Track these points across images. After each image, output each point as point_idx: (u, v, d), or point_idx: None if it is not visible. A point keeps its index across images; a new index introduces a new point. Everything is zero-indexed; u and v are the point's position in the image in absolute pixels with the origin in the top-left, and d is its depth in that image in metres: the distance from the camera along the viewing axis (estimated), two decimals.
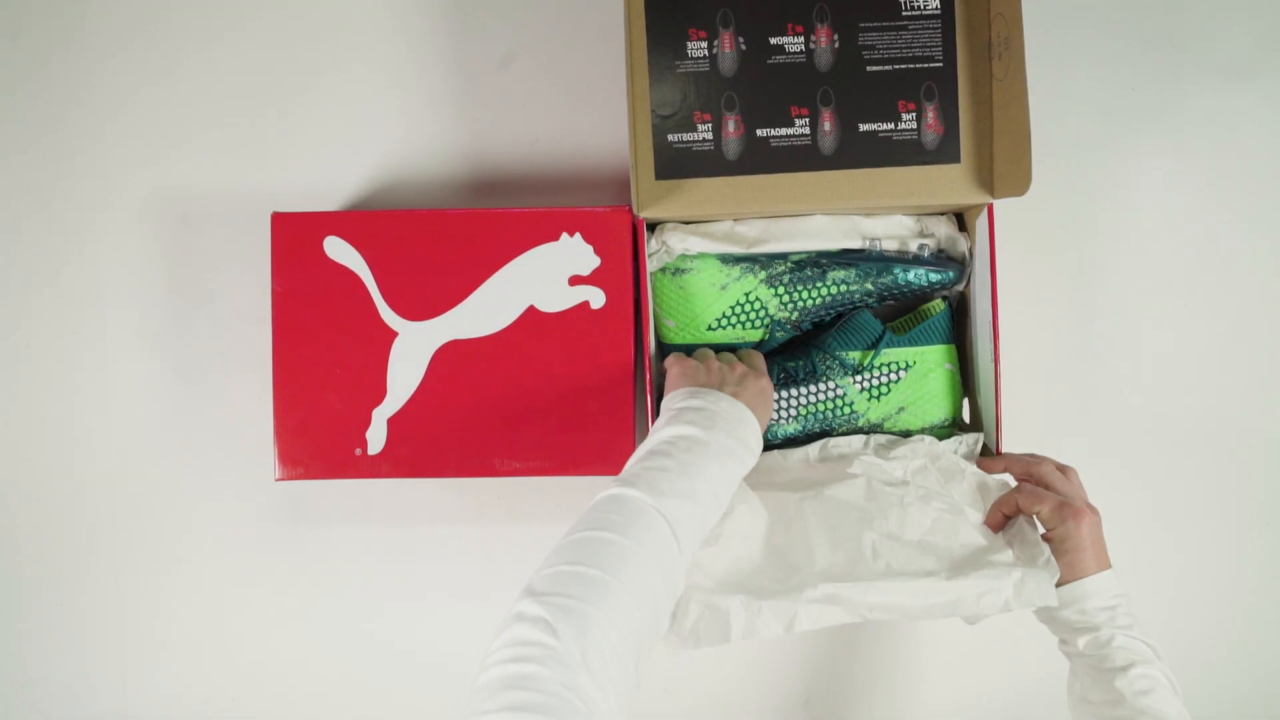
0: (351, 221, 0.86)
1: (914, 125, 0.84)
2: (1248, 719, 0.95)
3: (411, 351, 0.85)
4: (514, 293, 0.85)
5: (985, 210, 0.83)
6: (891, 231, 0.87)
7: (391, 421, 0.85)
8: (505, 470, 0.85)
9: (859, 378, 0.85)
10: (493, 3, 0.93)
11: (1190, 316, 0.96)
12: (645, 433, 0.88)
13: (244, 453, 0.91)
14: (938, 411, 0.86)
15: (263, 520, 0.93)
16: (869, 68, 0.84)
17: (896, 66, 0.84)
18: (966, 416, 0.90)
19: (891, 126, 0.84)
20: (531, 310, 0.85)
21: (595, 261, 0.85)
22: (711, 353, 0.82)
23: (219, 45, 0.94)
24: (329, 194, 0.93)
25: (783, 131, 0.84)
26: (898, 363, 0.85)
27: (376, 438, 0.85)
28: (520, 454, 0.85)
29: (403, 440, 0.85)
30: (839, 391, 0.85)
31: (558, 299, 0.85)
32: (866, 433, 0.86)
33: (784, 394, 0.85)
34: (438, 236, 0.85)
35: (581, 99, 0.93)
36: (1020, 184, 0.77)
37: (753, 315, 0.86)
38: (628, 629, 0.55)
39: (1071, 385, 0.95)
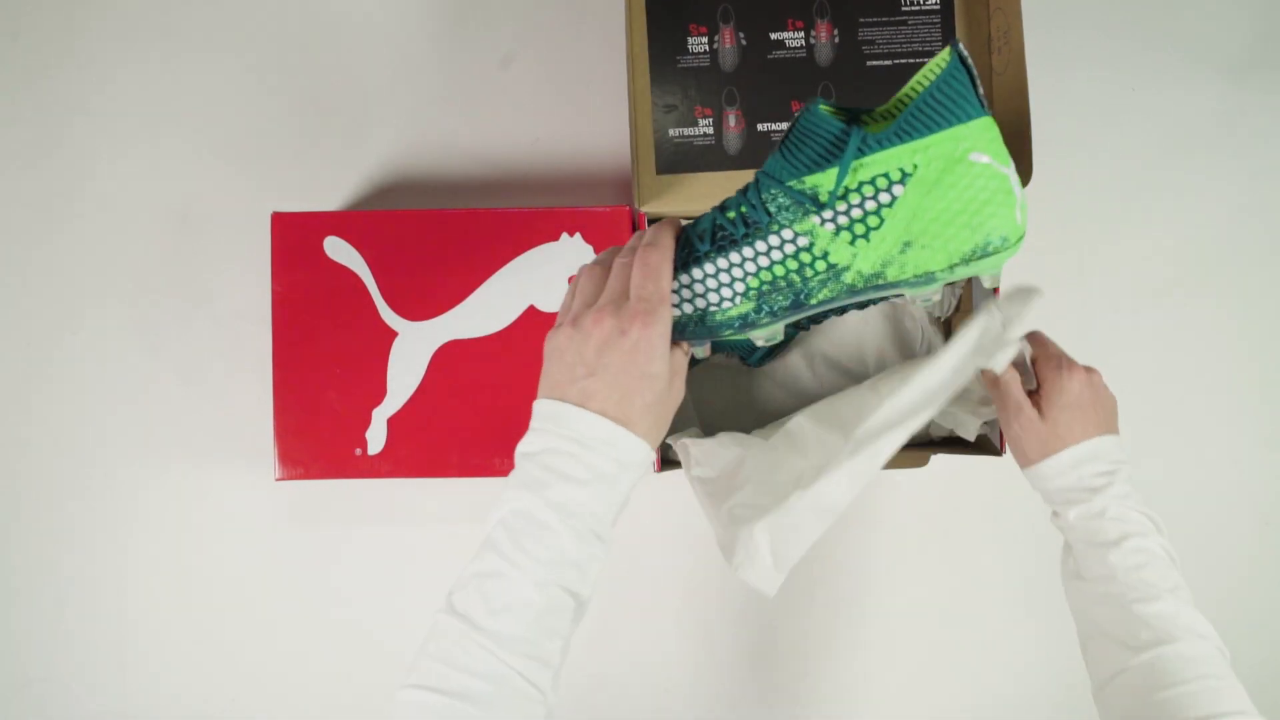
0: (351, 221, 0.86)
1: None
2: None
3: (411, 351, 0.85)
4: (514, 292, 0.85)
5: None
6: None
7: (391, 421, 0.84)
8: (505, 470, 0.84)
9: (827, 213, 0.54)
10: (493, 2, 0.93)
11: (1190, 316, 0.95)
12: None
13: (244, 453, 0.91)
14: (969, 235, 0.54)
15: (263, 520, 0.93)
16: (869, 62, 0.84)
17: (896, 61, 0.84)
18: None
19: None
20: (532, 310, 0.85)
21: None
22: (598, 274, 0.58)
23: (219, 45, 0.94)
24: (329, 194, 0.93)
25: (784, 126, 0.84)
26: (886, 174, 0.53)
27: (376, 438, 0.85)
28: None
29: (403, 440, 0.85)
30: (801, 242, 0.55)
31: (558, 299, 0.85)
32: (857, 291, 0.57)
33: (720, 262, 0.57)
34: (438, 236, 0.85)
35: (581, 99, 0.93)
36: (1021, 176, 0.77)
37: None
38: None
39: None
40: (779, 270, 0.56)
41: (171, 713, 0.94)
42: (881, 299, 0.59)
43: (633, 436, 0.54)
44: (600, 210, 0.85)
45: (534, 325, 0.85)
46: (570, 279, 0.62)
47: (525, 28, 0.93)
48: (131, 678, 0.93)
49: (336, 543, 0.93)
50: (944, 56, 0.52)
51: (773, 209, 0.55)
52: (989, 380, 0.73)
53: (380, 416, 0.85)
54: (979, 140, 0.52)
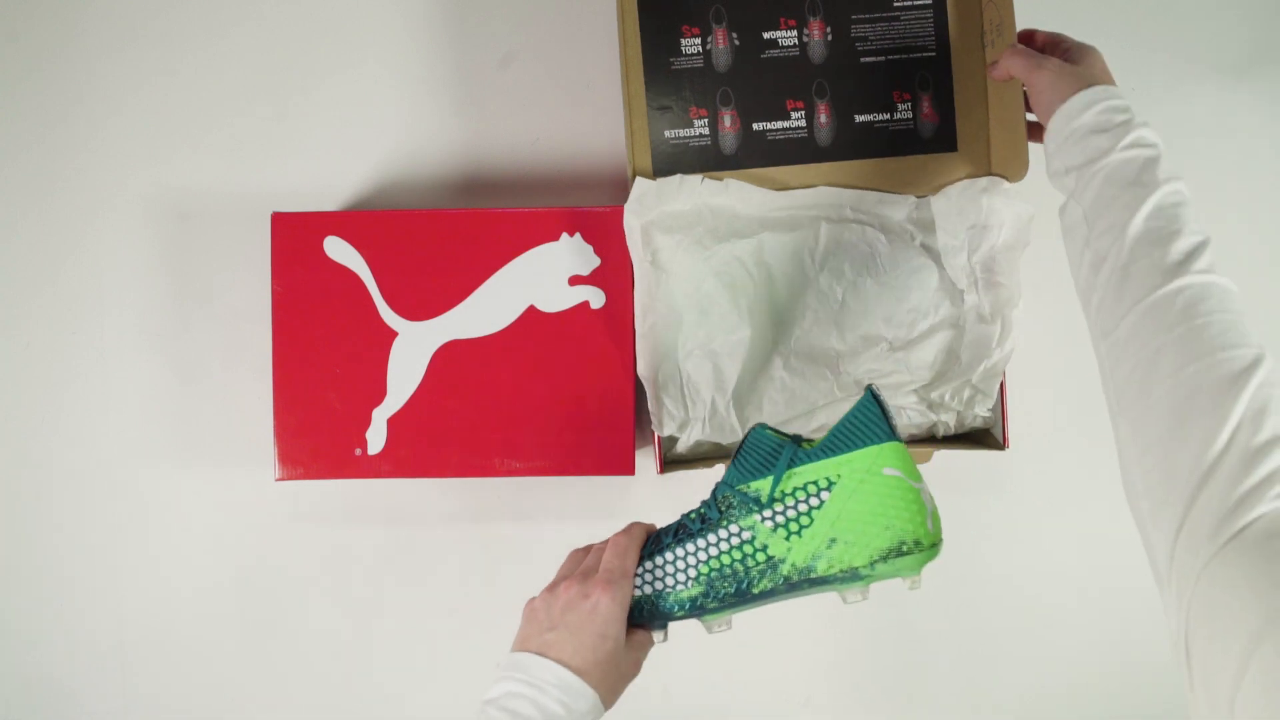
0: (351, 221, 0.86)
1: (909, 115, 0.84)
2: None
3: (411, 351, 0.85)
4: (514, 293, 0.85)
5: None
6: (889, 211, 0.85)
7: (391, 421, 0.85)
8: (505, 470, 0.85)
9: (767, 512, 0.65)
10: (493, 3, 0.93)
11: None
12: (645, 432, 0.88)
13: (244, 453, 0.91)
14: (884, 535, 0.64)
15: (263, 520, 0.93)
16: (862, 59, 0.84)
17: (890, 57, 0.84)
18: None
19: (887, 117, 0.84)
20: (531, 310, 0.85)
21: (595, 261, 0.85)
22: (579, 555, 0.69)
23: (219, 45, 0.94)
24: (329, 194, 0.93)
25: (778, 125, 0.84)
26: (815, 482, 0.65)
27: (376, 438, 0.85)
28: (520, 454, 0.85)
29: (403, 440, 0.85)
30: (745, 535, 0.66)
31: (558, 299, 0.85)
32: (793, 585, 0.66)
33: (679, 551, 0.67)
34: (438, 236, 0.85)
35: (581, 99, 0.93)
36: (1019, 168, 0.77)
37: None
38: None
39: (1074, 384, 0.94)
40: (726, 559, 0.66)
41: (171, 712, 0.94)
42: (818, 592, 0.67)
43: (584, 684, 0.60)
44: (600, 210, 0.86)
45: (534, 325, 0.85)
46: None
47: (525, 28, 0.93)
48: (131, 677, 0.93)
49: (336, 543, 0.93)
50: (863, 396, 0.66)
51: (724, 507, 0.66)
52: (997, 69, 0.75)
53: (380, 416, 0.85)
54: (891, 459, 0.65)
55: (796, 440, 0.67)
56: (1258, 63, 0.96)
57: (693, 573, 0.67)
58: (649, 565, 0.67)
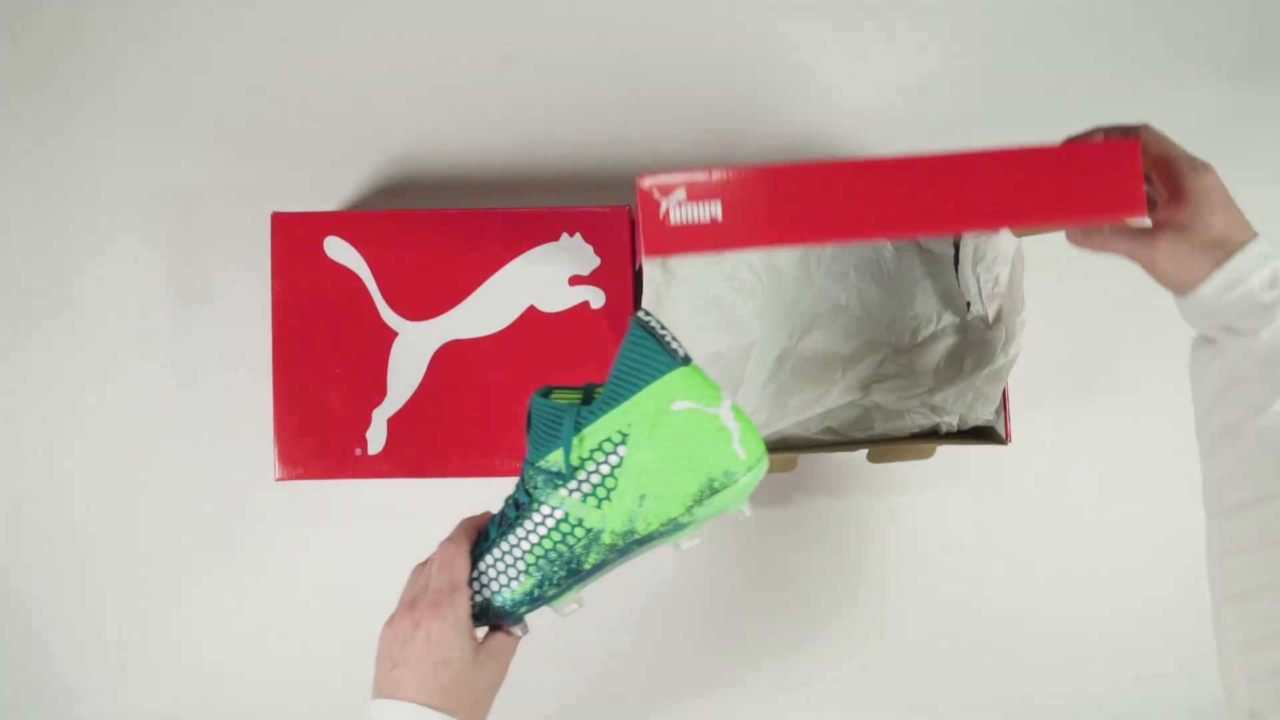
0: (351, 221, 0.86)
1: None
2: None
3: (411, 351, 0.85)
4: (513, 293, 0.85)
5: None
6: None
7: (391, 421, 0.84)
8: (505, 470, 0.85)
9: (571, 484, 0.60)
10: (493, 2, 0.93)
11: None
12: None
13: (244, 453, 0.91)
14: (691, 478, 0.59)
15: (263, 520, 0.93)
16: None
17: None
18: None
19: None
20: (531, 310, 0.85)
21: (595, 261, 0.85)
22: (419, 572, 0.67)
23: (219, 45, 0.94)
24: (329, 194, 0.93)
25: None
26: (609, 439, 0.60)
27: (376, 438, 0.85)
28: (520, 454, 0.85)
29: (403, 440, 0.85)
30: (558, 514, 0.61)
31: (558, 299, 0.85)
32: (624, 550, 0.62)
33: (503, 546, 0.63)
34: (438, 236, 0.85)
35: (582, 99, 0.93)
36: None
37: None
38: None
39: (1078, 379, 0.95)
40: (547, 543, 0.61)
41: (171, 713, 0.93)
42: (654, 548, 0.63)
43: (434, 713, 0.58)
44: (600, 210, 0.85)
45: (534, 325, 0.85)
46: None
47: (525, 27, 0.93)
48: (131, 678, 0.93)
49: (337, 543, 0.93)
50: (629, 329, 0.60)
51: (531, 489, 0.62)
52: (1085, 234, 0.66)
53: (380, 416, 0.85)
54: (678, 391, 0.59)
55: (588, 393, 0.62)
56: (1258, 63, 0.96)
57: (521, 565, 0.63)
58: (480, 568, 0.64)
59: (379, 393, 0.85)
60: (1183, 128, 0.95)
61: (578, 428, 0.60)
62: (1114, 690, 0.94)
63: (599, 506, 0.60)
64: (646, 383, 0.59)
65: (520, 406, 0.84)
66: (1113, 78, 0.96)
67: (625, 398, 0.59)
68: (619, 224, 0.85)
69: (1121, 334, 0.95)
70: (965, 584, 0.94)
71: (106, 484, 0.93)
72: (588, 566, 0.62)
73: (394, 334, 0.85)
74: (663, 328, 0.59)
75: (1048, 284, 0.93)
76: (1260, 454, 0.58)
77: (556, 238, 0.85)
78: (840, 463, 0.92)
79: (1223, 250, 0.60)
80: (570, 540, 0.61)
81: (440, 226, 0.85)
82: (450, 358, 0.85)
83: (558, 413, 0.60)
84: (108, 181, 0.93)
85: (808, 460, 0.91)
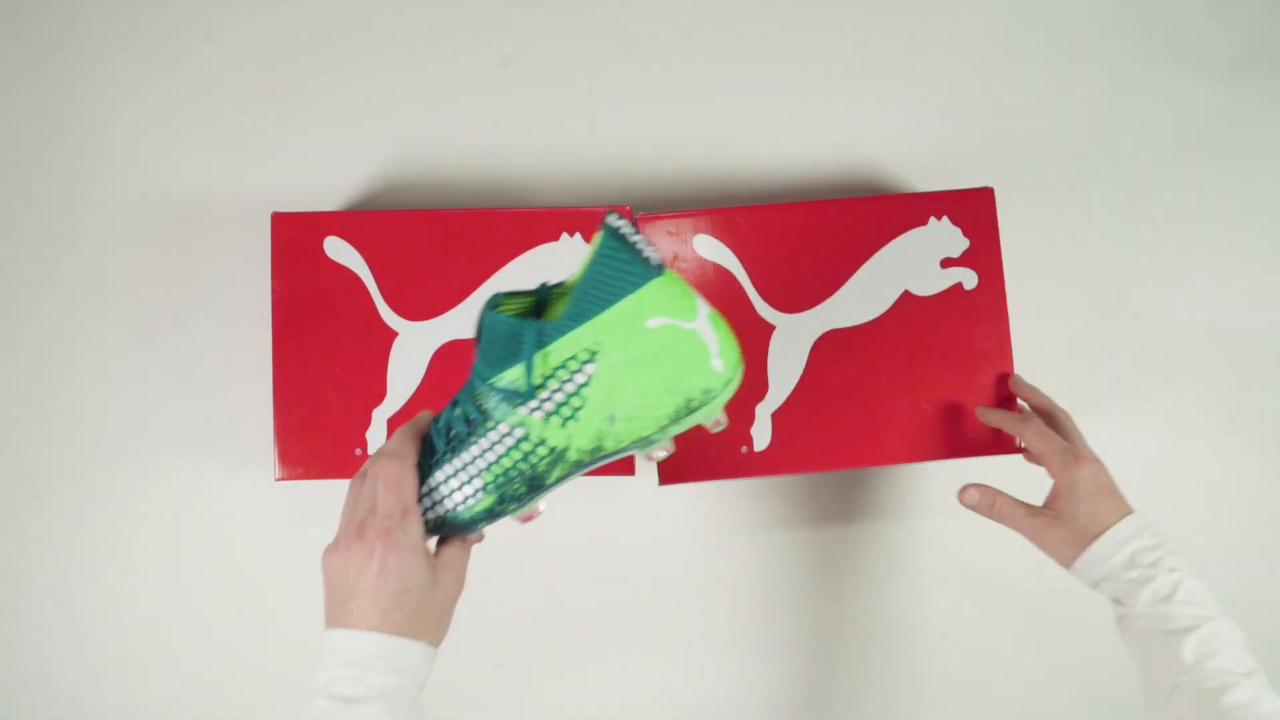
0: (351, 221, 0.86)
1: None
2: None
3: (412, 351, 0.85)
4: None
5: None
6: None
7: (391, 421, 0.84)
8: None
9: (532, 403, 0.56)
10: (493, 2, 0.93)
11: (1190, 315, 0.96)
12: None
13: (244, 453, 0.91)
14: (668, 398, 0.56)
15: (263, 520, 0.93)
16: None
17: None
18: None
19: None
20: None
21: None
22: (358, 487, 0.61)
23: (219, 45, 0.94)
24: (329, 194, 0.93)
25: None
26: (574, 357, 0.55)
27: (376, 438, 0.84)
28: None
29: None
30: (518, 434, 0.56)
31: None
32: (589, 464, 0.58)
33: (455, 463, 0.59)
34: (438, 236, 0.85)
35: (582, 99, 0.93)
36: None
37: None
38: None
39: (1075, 383, 0.95)
40: (506, 462, 0.57)
41: (171, 713, 0.93)
42: (621, 458, 0.59)
43: (404, 641, 0.56)
44: (600, 210, 0.86)
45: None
46: None
47: (525, 28, 0.93)
48: (131, 678, 0.93)
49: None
50: (598, 236, 0.52)
51: (486, 406, 0.57)
52: (981, 505, 0.78)
53: (380, 416, 0.85)
54: (653, 304, 0.53)
55: (540, 298, 0.56)
56: (1258, 63, 0.96)
57: (479, 483, 0.58)
58: (431, 484, 0.59)
59: (379, 393, 0.85)
60: (1183, 128, 0.96)
61: (541, 343, 0.54)
62: (1114, 690, 0.94)
63: (563, 426, 0.56)
64: (619, 297, 0.53)
65: None
66: (1113, 78, 0.96)
67: (594, 313, 0.53)
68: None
69: (1116, 344, 0.95)
70: (966, 583, 0.94)
71: (107, 484, 0.93)
72: (550, 481, 0.58)
73: (394, 334, 0.85)
74: (636, 232, 0.52)
75: (1048, 288, 0.94)
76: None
77: (556, 238, 0.85)
78: (841, 481, 0.92)
79: (1085, 536, 0.70)
80: (532, 459, 0.57)
81: (440, 226, 0.85)
82: (451, 357, 0.85)
83: (518, 329, 0.54)
84: (107, 181, 0.93)
85: (812, 481, 0.91)
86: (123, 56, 0.93)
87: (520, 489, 0.58)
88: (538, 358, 0.54)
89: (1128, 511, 0.71)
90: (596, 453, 0.57)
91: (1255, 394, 0.95)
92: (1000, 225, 0.86)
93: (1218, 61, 0.96)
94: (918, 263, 0.85)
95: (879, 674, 0.95)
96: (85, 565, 0.92)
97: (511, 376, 0.55)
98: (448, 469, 0.59)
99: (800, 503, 0.94)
